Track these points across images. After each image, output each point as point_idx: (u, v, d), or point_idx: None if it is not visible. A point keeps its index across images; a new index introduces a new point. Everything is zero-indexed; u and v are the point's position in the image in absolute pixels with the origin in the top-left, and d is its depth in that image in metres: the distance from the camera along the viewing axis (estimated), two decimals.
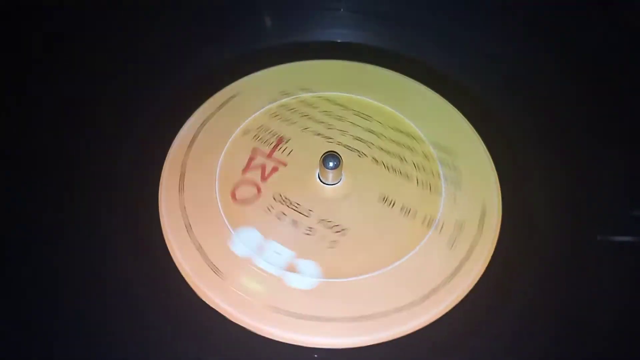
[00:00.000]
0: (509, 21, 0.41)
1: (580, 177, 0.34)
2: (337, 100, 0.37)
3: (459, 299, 0.30)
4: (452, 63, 0.39)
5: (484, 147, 0.35)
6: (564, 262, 0.31)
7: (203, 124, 0.36)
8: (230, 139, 0.35)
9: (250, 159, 0.34)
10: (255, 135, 0.35)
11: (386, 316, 0.29)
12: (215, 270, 0.30)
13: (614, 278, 0.30)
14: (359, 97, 0.37)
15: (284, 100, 0.37)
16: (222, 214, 0.32)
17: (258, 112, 0.36)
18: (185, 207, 0.32)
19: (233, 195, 0.33)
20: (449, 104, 0.37)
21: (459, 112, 0.37)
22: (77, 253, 0.30)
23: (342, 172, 0.33)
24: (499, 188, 0.34)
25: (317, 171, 0.34)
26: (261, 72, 0.38)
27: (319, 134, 0.35)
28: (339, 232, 0.32)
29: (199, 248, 0.31)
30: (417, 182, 0.34)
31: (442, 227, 0.32)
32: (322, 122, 0.36)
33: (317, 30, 0.41)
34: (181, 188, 0.33)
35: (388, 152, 0.35)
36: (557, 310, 0.30)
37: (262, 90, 0.37)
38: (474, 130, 0.36)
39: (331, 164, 0.32)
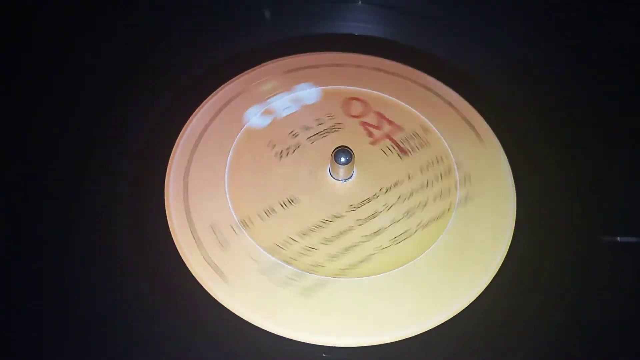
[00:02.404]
0: (531, 18, 0.40)
1: (593, 178, 0.34)
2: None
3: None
4: (469, 59, 0.38)
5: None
6: (575, 263, 0.31)
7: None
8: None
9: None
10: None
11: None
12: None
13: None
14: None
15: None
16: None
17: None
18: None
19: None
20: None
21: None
22: (82, 251, 0.30)
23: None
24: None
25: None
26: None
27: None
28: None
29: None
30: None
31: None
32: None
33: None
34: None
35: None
36: (569, 311, 0.30)
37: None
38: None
39: (343, 159, 0.32)
